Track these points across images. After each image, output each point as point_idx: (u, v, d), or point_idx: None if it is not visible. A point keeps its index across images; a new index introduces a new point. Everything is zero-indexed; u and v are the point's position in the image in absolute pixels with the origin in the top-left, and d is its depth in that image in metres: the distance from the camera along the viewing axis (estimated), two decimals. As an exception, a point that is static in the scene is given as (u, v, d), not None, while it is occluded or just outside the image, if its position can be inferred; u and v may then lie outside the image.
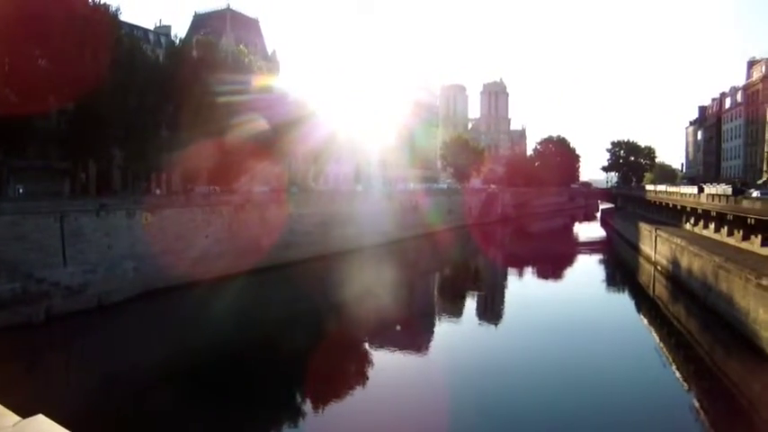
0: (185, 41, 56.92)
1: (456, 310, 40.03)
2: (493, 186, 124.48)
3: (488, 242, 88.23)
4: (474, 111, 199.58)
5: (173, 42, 58.76)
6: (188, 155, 45.97)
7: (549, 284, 53.92)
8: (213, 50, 53.09)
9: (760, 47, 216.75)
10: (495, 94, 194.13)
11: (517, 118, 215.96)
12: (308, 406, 22.62)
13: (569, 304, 40.49)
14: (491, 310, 41.10)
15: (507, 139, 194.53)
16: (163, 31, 67.22)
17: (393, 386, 23.74)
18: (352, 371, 26.19)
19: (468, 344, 30.80)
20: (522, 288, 50.77)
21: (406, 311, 38.79)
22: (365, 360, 27.45)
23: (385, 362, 26.94)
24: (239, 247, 45.58)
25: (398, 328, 33.34)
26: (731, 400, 22.99)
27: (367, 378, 25.01)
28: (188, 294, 37.11)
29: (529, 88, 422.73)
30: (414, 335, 32.05)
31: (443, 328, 34.91)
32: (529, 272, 60.30)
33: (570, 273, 60.57)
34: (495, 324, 37.03)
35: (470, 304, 43.25)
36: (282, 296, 40.83)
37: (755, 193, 49.43)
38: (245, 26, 78.30)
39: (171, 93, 45.91)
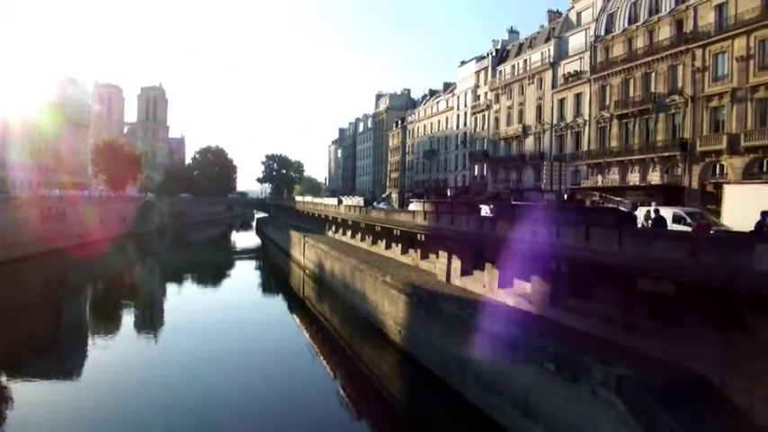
0: None
1: (111, 328, 36.39)
2: (150, 195, 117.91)
3: (146, 253, 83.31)
4: (131, 115, 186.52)
5: None
6: None
7: (209, 292, 53.61)
8: None
9: (386, 82, 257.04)
10: (154, 99, 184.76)
11: (177, 125, 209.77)
12: None
13: (228, 311, 40.89)
14: (150, 324, 38.75)
15: (166, 146, 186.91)
16: None
17: (37, 416, 20.45)
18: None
19: (126, 360, 28.38)
20: (183, 298, 49.28)
21: (50, 336, 33.80)
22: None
23: (25, 395, 23.01)
24: None
25: (40, 355, 28.81)
26: (366, 380, 26.35)
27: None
28: None
29: (188, 96, 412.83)
30: (60, 360, 28.29)
31: (96, 350, 31.36)
32: (188, 281, 58.88)
33: (229, 280, 61.27)
34: (155, 337, 35.06)
35: (127, 320, 39.91)
36: None
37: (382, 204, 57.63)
38: None
39: None
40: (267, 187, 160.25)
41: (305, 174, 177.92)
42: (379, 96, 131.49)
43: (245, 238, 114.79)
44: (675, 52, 44.25)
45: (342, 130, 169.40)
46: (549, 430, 15.99)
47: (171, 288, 54.89)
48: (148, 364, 27.92)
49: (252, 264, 76.38)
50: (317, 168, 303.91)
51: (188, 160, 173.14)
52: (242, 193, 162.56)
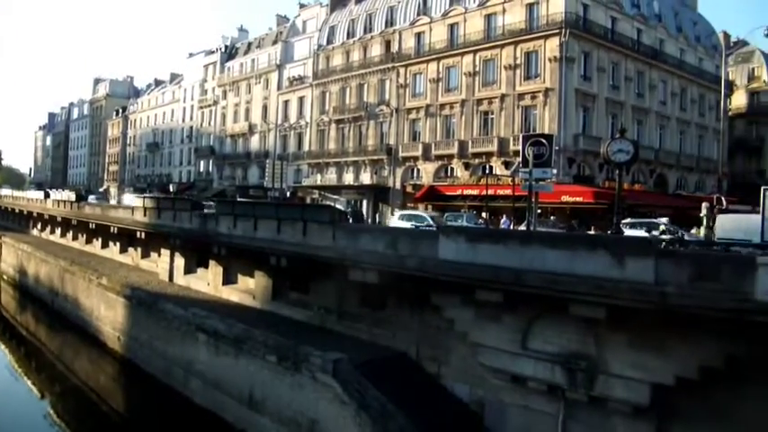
0: None
1: None
2: None
3: None
4: None
5: None
6: None
7: None
8: None
9: (107, 67, 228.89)
10: None
11: None
12: None
13: None
14: None
15: None
16: None
17: None
18: None
19: None
20: None
21: None
22: None
23: None
24: None
25: None
26: (82, 396, 23.30)
27: None
28: None
29: None
30: None
31: None
32: None
33: None
34: None
35: None
36: None
37: (92, 198, 52.72)
38: None
39: None
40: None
41: (4, 163, 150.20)
42: (97, 81, 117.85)
43: None
44: (384, 68, 49.03)
45: (52, 116, 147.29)
46: (274, 420, 16.25)
47: None
48: None
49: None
50: (20, 157, 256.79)
51: None
52: None
